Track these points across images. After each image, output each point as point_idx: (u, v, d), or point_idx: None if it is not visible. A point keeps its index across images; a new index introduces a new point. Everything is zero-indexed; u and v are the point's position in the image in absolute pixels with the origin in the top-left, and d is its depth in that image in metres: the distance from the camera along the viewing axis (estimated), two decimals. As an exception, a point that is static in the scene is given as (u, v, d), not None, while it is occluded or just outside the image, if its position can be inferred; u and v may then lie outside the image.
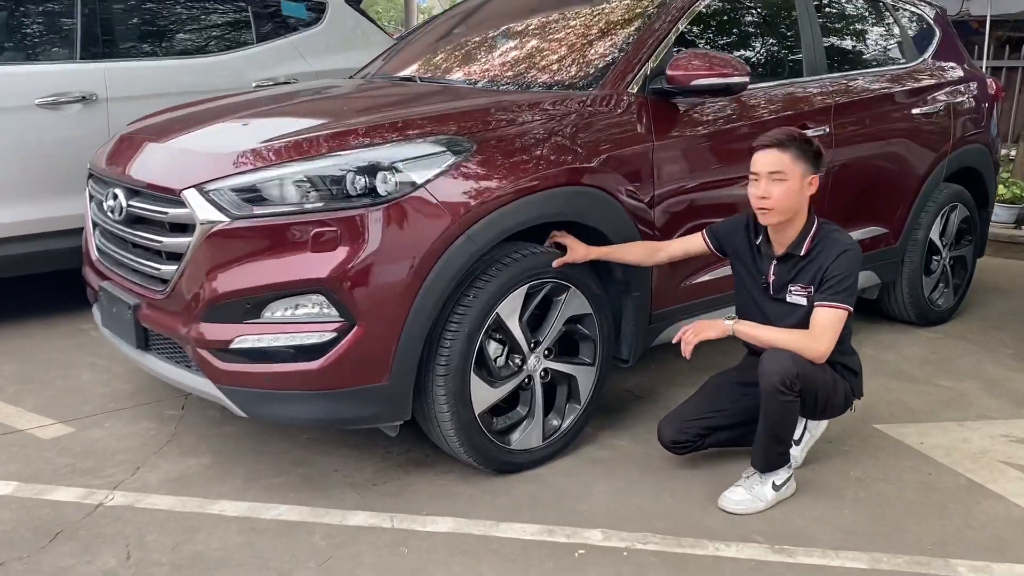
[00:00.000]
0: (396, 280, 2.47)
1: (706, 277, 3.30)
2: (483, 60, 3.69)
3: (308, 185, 2.49)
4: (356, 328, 2.45)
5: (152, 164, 2.86)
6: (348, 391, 2.51)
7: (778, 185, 2.63)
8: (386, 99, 3.36)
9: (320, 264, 2.44)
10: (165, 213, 2.65)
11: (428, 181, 2.53)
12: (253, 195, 2.50)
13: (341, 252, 2.44)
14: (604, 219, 2.92)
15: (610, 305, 3.02)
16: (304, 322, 2.47)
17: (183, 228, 2.61)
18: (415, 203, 2.50)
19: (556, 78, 3.26)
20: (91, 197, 3.19)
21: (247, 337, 2.49)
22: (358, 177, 2.48)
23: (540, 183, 2.73)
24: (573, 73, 3.25)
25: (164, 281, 2.66)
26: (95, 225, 3.15)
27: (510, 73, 3.44)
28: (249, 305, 2.48)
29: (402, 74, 3.84)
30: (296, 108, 3.30)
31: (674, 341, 2.72)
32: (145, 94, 4.30)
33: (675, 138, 3.12)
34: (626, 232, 2.97)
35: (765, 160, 2.65)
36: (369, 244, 2.44)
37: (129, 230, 2.82)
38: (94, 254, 3.14)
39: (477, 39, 3.92)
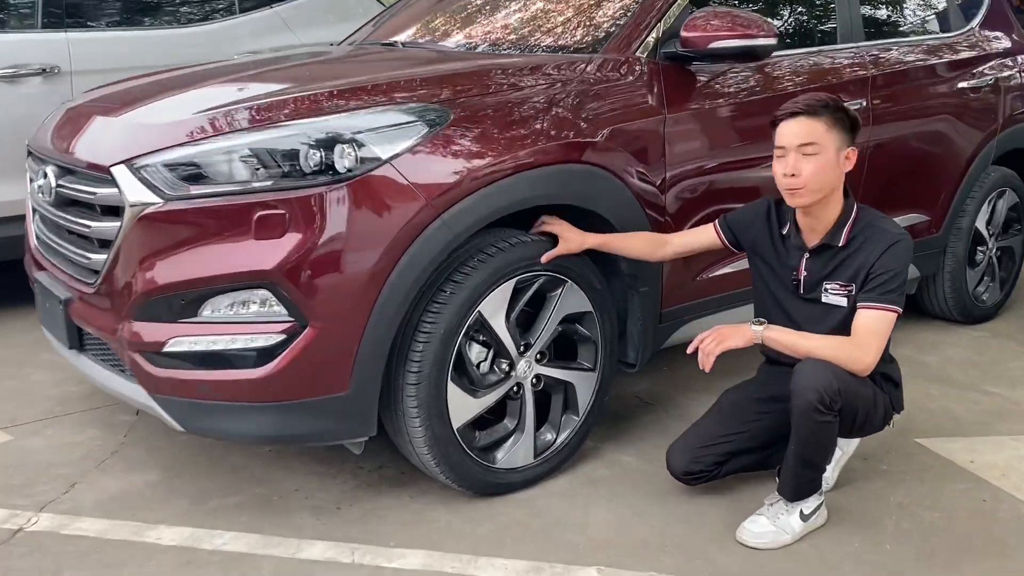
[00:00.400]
0: (356, 272, 2.11)
1: (726, 270, 2.90)
2: (476, 23, 3.30)
3: (254, 160, 2.12)
4: (308, 329, 2.09)
5: (86, 138, 2.50)
6: (300, 403, 2.15)
7: (810, 160, 2.23)
8: (362, 65, 2.99)
9: (266, 254, 2.07)
10: (93, 194, 2.30)
11: (396, 156, 2.15)
12: (190, 172, 2.14)
13: (291, 240, 2.07)
14: (607, 204, 2.53)
15: (614, 302, 2.64)
16: (248, 322, 2.12)
17: (115, 211, 2.25)
18: (380, 182, 2.13)
19: (554, 41, 2.87)
20: (30, 179, 2.84)
21: (182, 338, 2.13)
22: (312, 151, 2.10)
23: (531, 160, 2.35)
24: (573, 35, 2.85)
25: (95, 272, 2.31)
26: (34, 210, 2.80)
27: (506, 36, 3.06)
28: (184, 301, 2.13)
29: (389, 40, 3.46)
30: (260, 76, 2.90)
31: (689, 351, 2.32)
32: (113, 67, 3.90)
33: (691, 111, 2.72)
34: (633, 219, 2.59)
35: (793, 130, 2.24)
36: (324, 230, 2.08)
37: (60, 213, 2.48)
38: (33, 242, 2.80)
39: (476, 1, 3.52)
